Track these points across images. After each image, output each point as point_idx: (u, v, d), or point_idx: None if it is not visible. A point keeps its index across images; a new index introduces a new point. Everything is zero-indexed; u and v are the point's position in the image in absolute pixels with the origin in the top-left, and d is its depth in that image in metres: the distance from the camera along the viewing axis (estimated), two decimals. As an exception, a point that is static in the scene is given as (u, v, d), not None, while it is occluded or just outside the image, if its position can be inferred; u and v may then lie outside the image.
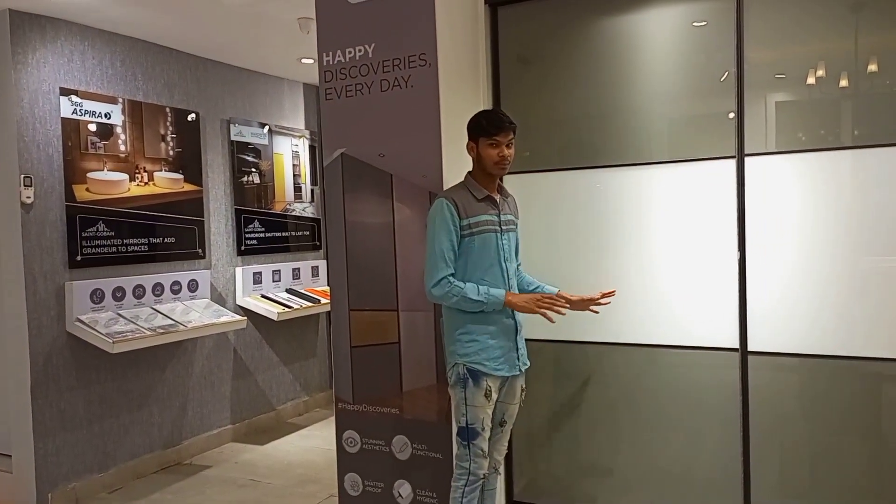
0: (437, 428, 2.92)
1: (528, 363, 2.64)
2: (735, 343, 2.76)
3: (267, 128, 5.11)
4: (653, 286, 2.91)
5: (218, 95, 4.72)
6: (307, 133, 5.48)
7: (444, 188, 2.86)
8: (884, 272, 2.56)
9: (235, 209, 4.82)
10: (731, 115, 2.74)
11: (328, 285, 3.22)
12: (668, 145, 2.90)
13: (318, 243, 5.57)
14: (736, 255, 2.75)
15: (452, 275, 2.47)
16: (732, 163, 2.73)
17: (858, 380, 2.63)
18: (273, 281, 5.06)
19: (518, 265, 2.70)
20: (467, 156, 3.08)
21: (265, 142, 5.08)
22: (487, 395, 2.49)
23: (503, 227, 2.55)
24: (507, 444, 2.67)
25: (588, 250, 3.04)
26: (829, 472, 2.69)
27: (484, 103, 3.17)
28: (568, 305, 2.53)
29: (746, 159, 2.70)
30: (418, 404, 2.98)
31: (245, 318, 4.52)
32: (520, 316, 2.58)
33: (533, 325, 3.15)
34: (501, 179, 2.63)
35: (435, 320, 2.92)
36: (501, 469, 2.72)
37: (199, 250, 4.52)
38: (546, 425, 3.20)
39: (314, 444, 4.60)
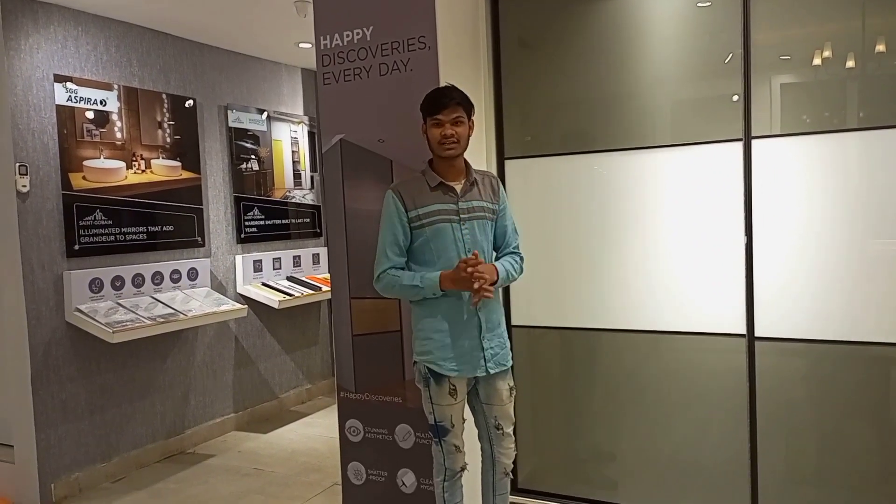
0: (440, 416, 2.89)
1: (508, 364, 2.43)
2: (742, 329, 2.73)
3: (265, 114, 5.05)
4: (658, 272, 2.87)
5: (215, 81, 4.66)
6: (306, 119, 5.41)
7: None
8: (891, 256, 2.51)
9: (234, 196, 4.77)
10: (736, 97, 2.69)
11: (329, 273, 3.18)
12: (673, 128, 2.85)
13: (318, 230, 5.52)
14: (743, 240, 2.70)
15: (395, 267, 2.36)
16: (739, 146, 2.68)
17: (866, 365, 2.60)
18: (274, 269, 5.02)
19: (506, 251, 2.46)
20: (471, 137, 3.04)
21: (263, 128, 5.02)
22: (453, 394, 2.39)
23: (463, 217, 2.35)
24: (512, 446, 2.52)
25: (592, 236, 2.99)
26: (836, 458, 2.67)
27: (485, 87, 3.11)
28: (484, 274, 2.22)
29: (753, 142, 2.65)
30: (421, 393, 2.95)
31: (246, 306, 4.48)
32: (492, 313, 2.39)
33: (536, 312, 3.13)
34: (467, 163, 2.41)
35: (437, 308, 2.88)
36: (510, 472, 2.56)
37: (199, 238, 4.48)
38: (550, 413, 3.17)
39: (317, 432, 4.59)
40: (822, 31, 2.62)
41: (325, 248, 5.40)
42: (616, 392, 3.03)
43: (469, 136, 2.38)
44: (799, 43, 2.63)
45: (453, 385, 2.38)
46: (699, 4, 2.78)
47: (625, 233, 2.93)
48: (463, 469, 2.50)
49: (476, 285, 2.21)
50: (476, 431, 2.54)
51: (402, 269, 2.37)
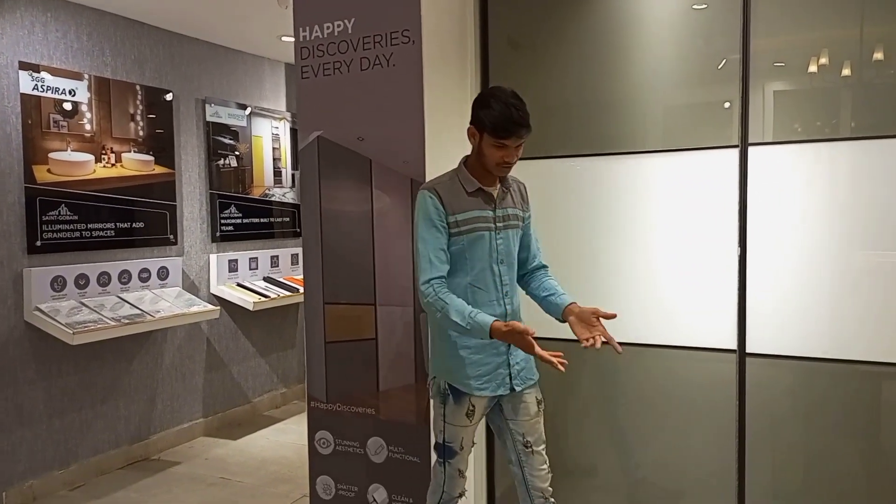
0: (415, 430, 2.75)
1: (534, 377, 2.25)
2: (733, 344, 2.61)
3: (247, 109, 4.89)
4: (649, 282, 2.75)
5: (193, 74, 4.49)
6: (288, 115, 5.26)
7: (427, 176, 2.67)
8: (886, 270, 2.41)
9: (210, 193, 4.60)
10: (727, 104, 2.58)
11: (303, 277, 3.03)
12: (666, 133, 2.72)
13: (298, 230, 5.36)
14: (736, 251, 2.58)
15: (443, 278, 2.11)
16: (735, 152, 2.56)
17: (856, 384, 2.49)
18: (250, 269, 4.86)
19: (538, 267, 2.34)
20: (453, 143, 2.90)
21: (243, 123, 4.86)
22: (469, 416, 2.19)
23: (499, 225, 2.19)
24: (545, 467, 2.26)
25: (581, 243, 2.87)
26: (823, 475, 2.56)
27: (472, 86, 2.97)
28: (561, 361, 1.97)
29: (750, 149, 2.54)
30: (395, 405, 2.81)
31: (219, 307, 4.32)
32: (515, 307, 2.24)
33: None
34: None
35: (415, 315, 2.75)
36: (550, 496, 2.28)
37: (171, 236, 4.30)
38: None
39: (290, 439, 4.43)
40: (819, 37, 2.51)
41: (304, 250, 5.24)
42: (603, 405, 2.91)
43: None
44: (796, 49, 2.53)
45: (473, 406, 2.18)
46: (695, 6, 2.67)
47: (615, 241, 2.80)
48: (461, 495, 2.31)
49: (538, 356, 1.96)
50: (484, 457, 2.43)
51: (446, 280, 2.11)
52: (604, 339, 2.10)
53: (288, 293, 4.85)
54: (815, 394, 2.55)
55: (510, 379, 2.19)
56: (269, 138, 5.11)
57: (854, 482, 2.52)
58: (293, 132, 5.27)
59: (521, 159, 2.93)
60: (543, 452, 2.26)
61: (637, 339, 2.76)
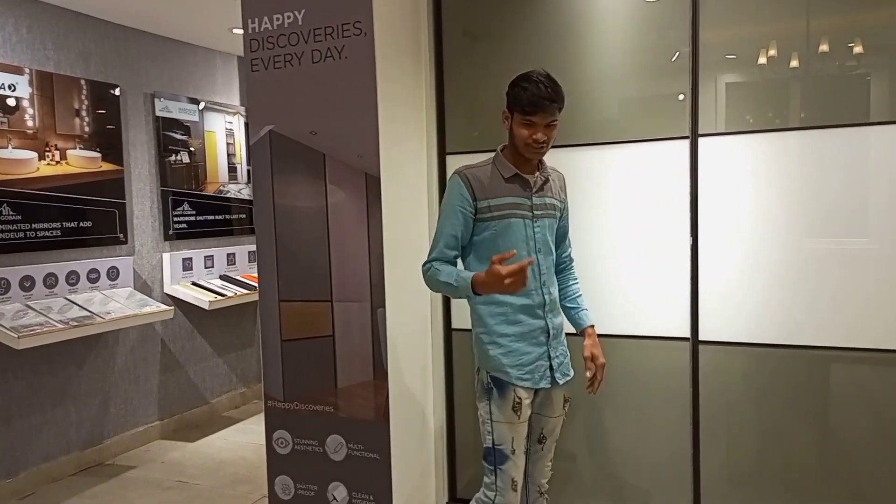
0: (374, 426, 2.73)
1: (571, 374, 2.22)
2: (686, 332, 2.65)
3: (199, 104, 4.77)
4: (603, 273, 2.77)
5: (141, 67, 4.37)
6: (242, 110, 5.16)
7: (382, 170, 2.64)
8: (834, 257, 2.47)
9: (162, 191, 4.49)
10: (682, 97, 2.61)
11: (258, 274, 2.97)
12: (619, 125, 2.74)
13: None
14: (688, 241, 2.62)
15: (441, 260, 2.11)
16: (686, 143, 2.59)
17: (806, 368, 2.55)
18: (205, 267, 4.76)
19: (567, 260, 2.32)
20: (407, 136, 2.88)
21: (195, 118, 4.75)
22: (516, 410, 2.09)
23: (536, 213, 2.13)
24: (550, 464, 2.27)
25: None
26: (776, 458, 2.62)
27: (426, 79, 2.95)
28: (525, 276, 1.90)
29: (700, 140, 2.57)
30: (354, 402, 2.78)
31: (173, 307, 4.21)
32: (556, 317, 2.19)
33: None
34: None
35: (371, 311, 2.72)
36: (546, 491, 2.31)
37: (121, 235, 4.18)
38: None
39: (249, 439, 4.36)
40: (768, 30, 2.55)
41: (261, 246, 5.15)
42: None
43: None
44: (746, 42, 2.57)
45: (518, 398, 2.10)
46: (647, 0, 2.69)
47: (571, 232, 2.81)
48: None
49: (521, 281, 1.90)
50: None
51: (449, 262, 2.12)
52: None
53: (245, 291, 4.76)
54: (766, 379, 2.61)
55: (551, 371, 2.15)
56: (223, 133, 5.00)
57: (805, 464, 2.58)
58: (248, 127, 5.17)
59: (477, 152, 2.94)
60: (553, 449, 2.27)
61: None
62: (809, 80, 2.50)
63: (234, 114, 5.10)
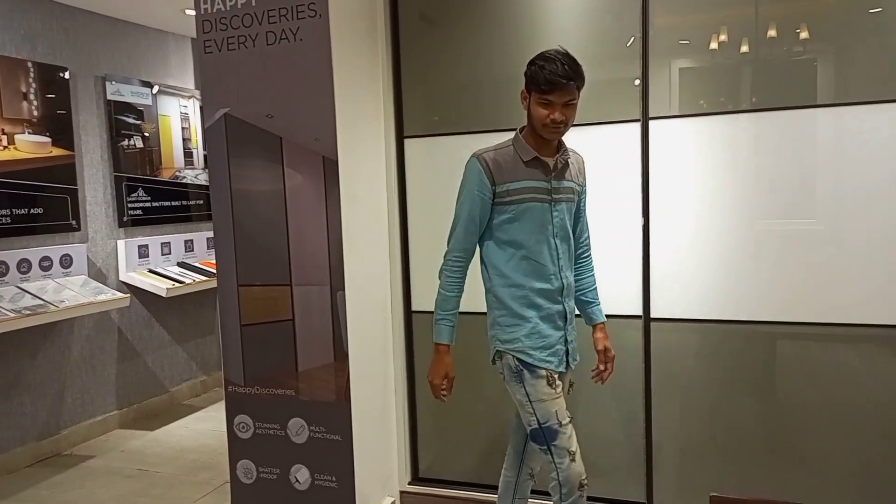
0: (335, 409, 2.75)
1: (578, 358, 2.23)
2: (639, 310, 2.72)
3: (152, 87, 4.68)
4: (558, 254, 2.82)
5: (91, 49, 4.26)
6: (197, 93, 5.07)
7: (340, 153, 2.65)
8: (780, 236, 2.56)
9: (115, 176, 4.40)
10: (637, 81, 2.66)
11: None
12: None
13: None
14: (640, 222, 2.69)
15: (466, 251, 2.14)
16: (637, 126, 2.65)
17: (754, 343, 2.65)
18: (162, 254, 4.69)
19: (584, 245, 2.29)
20: (365, 119, 2.88)
21: (148, 102, 4.65)
22: (552, 384, 2.08)
23: (555, 196, 2.09)
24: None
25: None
26: (726, 431, 2.72)
27: (382, 62, 2.95)
28: (445, 400, 2.22)
29: (651, 123, 2.63)
30: (315, 384, 2.79)
31: (129, 295, 4.15)
32: (572, 301, 2.19)
33: (431, 297, 3.01)
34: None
35: (331, 294, 2.73)
36: (535, 474, 2.37)
37: (73, 222, 4.09)
38: (452, 400, 3.08)
39: (210, 426, 4.33)
40: (718, 16, 2.62)
41: (220, 232, 5.09)
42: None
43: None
44: (698, 28, 2.62)
45: (550, 374, 2.08)
46: (599, -18, 2.72)
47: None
48: (582, 487, 2.09)
49: (434, 393, 2.21)
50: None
51: (467, 261, 2.16)
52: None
53: (204, 278, 4.71)
54: (714, 353, 2.70)
55: (567, 355, 2.16)
56: (178, 117, 4.91)
57: (751, 433, 2.69)
58: (203, 111, 5.08)
59: (434, 135, 2.96)
60: None
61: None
62: (759, 65, 2.58)
63: (189, 97, 5.02)
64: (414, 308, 3.07)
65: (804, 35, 2.51)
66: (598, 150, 2.73)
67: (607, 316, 2.77)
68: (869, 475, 2.54)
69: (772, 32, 2.57)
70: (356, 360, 2.76)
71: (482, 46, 2.89)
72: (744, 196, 2.58)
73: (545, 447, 2.08)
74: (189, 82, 5.05)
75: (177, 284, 4.46)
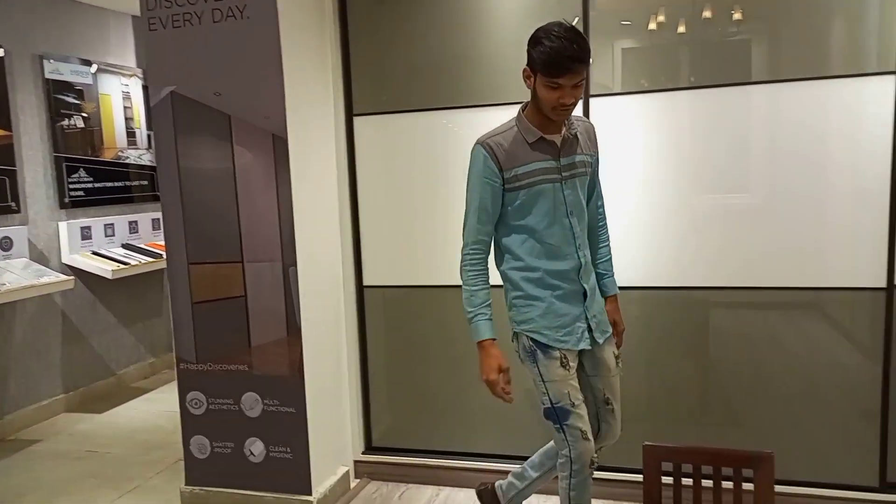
0: (289, 382, 2.80)
1: (610, 331, 2.16)
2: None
3: (92, 66, 4.56)
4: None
5: (27, 27, 4.13)
6: (139, 72, 4.97)
7: (290, 131, 2.68)
8: (716, 208, 2.71)
9: (55, 157, 4.29)
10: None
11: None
12: (520, 87, 2.87)
13: (158, 194, 5.11)
14: (582, 196, 2.81)
15: (483, 242, 2.06)
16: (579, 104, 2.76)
17: (691, 308, 2.81)
18: (106, 236, 4.61)
19: (600, 216, 2.23)
20: (315, 96, 2.91)
21: (89, 81, 4.54)
22: (565, 365, 2.06)
23: (565, 175, 2.02)
24: (619, 425, 2.22)
25: (444, 193, 2.99)
26: (663, 394, 2.88)
27: (330, 39, 2.98)
28: (510, 400, 2.04)
29: (591, 100, 2.74)
30: (269, 359, 2.84)
31: (73, 277, 4.08)
32: (591, 276, 2.12)
33: (388, 271, 3.09)
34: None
35: (284, 271, 2.77)
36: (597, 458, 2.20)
37: (12, 204, 3.99)
38: (404, 371, 3.17)
39: (161, 408, 4.32)
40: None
41: (166, 214, 5.03)
42: (469, 347, 3.07)
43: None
44: (638, 9, 2.73)
45: (565, 356, 2.06)
46: (544, -35, 2.81)
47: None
48: (592, 464, 2.11)
49: (495, 393, 2.04)
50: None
51: (485, 252, 2.08)
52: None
53: (151, 259, 4.65)
54: (652, 318, 2.85)
55: (590, 332, 2.09)
56: (119, 96, 4.81)
57: (688, 395, 2.86)
58: (146, 90, 4.99)
59: (384, 113, 3.02)
60: (618, 409, 2.22)
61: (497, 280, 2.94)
62: (696, 44, 2.71)
63: (131, 76, 4.91)
64: (365, 283, 3.13)
65: (738, 16, 2.66)
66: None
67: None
68: (791, 428, 2.74)
69: (707, 13, 2.71)
70: (309, 335, 2.82)
71: (430, 24, 2.95)
72: (682, 170, 2.72)
73: (558, 426, 2.09)
74: (130, 60, 4.94)
75: (122, 266, 4.40)
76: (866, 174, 2.55)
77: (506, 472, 2.46)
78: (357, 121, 3.06)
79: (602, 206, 2.26)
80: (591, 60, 1.91)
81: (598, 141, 2.18)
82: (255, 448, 2.88)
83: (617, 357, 2.18)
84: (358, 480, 3.17)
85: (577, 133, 2.06)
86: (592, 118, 2.76)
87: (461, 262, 2.09)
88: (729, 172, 2.68)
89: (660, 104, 2.73)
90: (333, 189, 3.05)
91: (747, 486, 1.70)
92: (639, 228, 2.78)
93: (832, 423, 2.69)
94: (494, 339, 2.06)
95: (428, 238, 3.03)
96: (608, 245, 2.28)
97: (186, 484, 2.98)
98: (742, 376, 2.79)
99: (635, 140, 2.76)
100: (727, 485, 1.68)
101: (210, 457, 2.94)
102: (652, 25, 2.76)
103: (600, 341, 2.11)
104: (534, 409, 3.02)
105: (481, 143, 2.03)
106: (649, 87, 2.74)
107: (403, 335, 3.15)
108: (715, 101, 2.67)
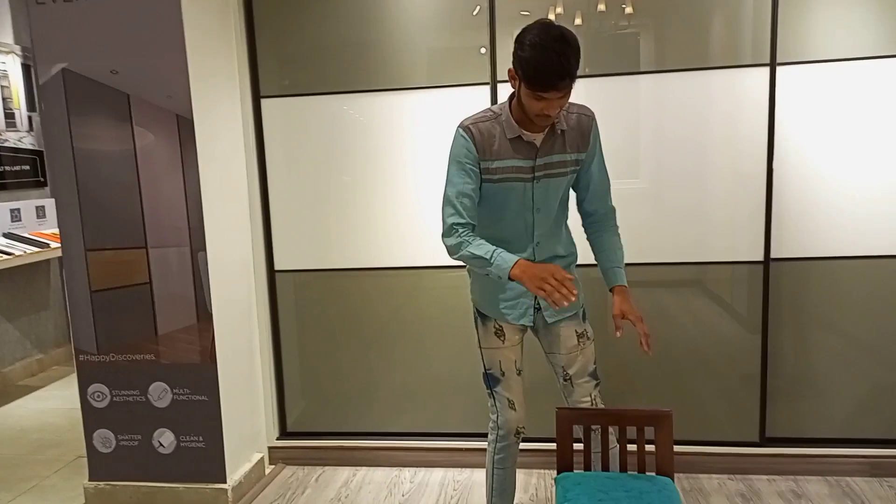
0: (200, 369, 2.74)
1: (571, 311, 2.11)
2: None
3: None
4: (417, 209, 2.98)
5: None
6: (18, 49, 4.62)
7: (195, 111, 2.60)
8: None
9: (-77, 138, 3.94)
10: (483, 50, 2.84)
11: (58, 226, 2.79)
12: (429, 72, 2.92)
13: (42, 179, 4.81)
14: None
15: (468, 224, 1.94)
16: (487, 89, 2.85)
17: (594, 285, 2.97)
18: (-16, 225, 4.29)
19: (599, 218, 2.13)
20: (219, 78, 2.83)
21: (-41, 56, 4.18)
22: (499, 335, 2.11)
23: (538, 174, 1.96)
24: (588, 399, 2.15)
25: (355, 175, 3.00)
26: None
27: (234, 18, 2.91)
28: (573, 298, 1.79)
29: (499, 85, 2.84)
30: (178, 347, 2.77)
31: (-51, 269, 3.78)
32: (553, 259, 2.07)
33: (300, 256, 3.07)
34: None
35: (192, 255, 2.70)
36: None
37: None
38: (319, 356, 3.17)
39: (53, 405, 4.08)
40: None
41: (53, 200, 4.72)
42: (382, 329, 3.12)
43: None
44: (537, 0, 2.84)
45: (499, 327, 2.10)
46: (449, -47, 2.86)
47: (386, 172, 2.98)
48: (518, 434, 2.15)
49: (555, 299, 1.79)
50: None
51: (472, 229, 1.95)
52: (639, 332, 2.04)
53: (36, 249, 4.37)
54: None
55: (534, 311, 2.09)
56: (-5, 74, 4.46)
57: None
58: (26, 68, 4.65)
59: (293, 95, 2.98)
60: (589, 385, 2.16)
61: (410, 262, 3.00)
62: (591, 35, 2.85)
63: (8, 53, 4.56)
64: (277, 267, 3.10)
65: (629, 10, 2.82)
66: (452, 109, 2.90)
67: (457, 267, 2.98)
68: (682, 394, 2.97)
69: (601, 6, 2.86)
70: (221, 320, 2.77)
71: (337, 7, 2.93)
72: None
73: (489, 391, 2.17)
74: (7, 37, 4.59)
75: (5, 257, 4.11)
76: (745, 157, 2.79)
77: (422, 450, 2.53)
78: (264, 102, 3.01)
79: (602, 208, 2.13)
80: (576, 72, 1.80)
81: (597, 133, 2.05)
82: (165, 439, 2.80)
83: (580, 334, 2.14)
84: (273, 466, 3.15)
85: (565, 130, 1.97)
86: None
87: (455, 243, 1.94)
88: (620, 157, 2.84)
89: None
90: (242, 172, 2.99)
91: (649, 447, 1.87)
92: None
93: (718, 388, 2.94)
94: (521, 260, 1.87)
95: (338, 222, 3.03)
96: (614, 237, 2.14)
97: (90, 479, 2.86)
98: (637, 348, 2.98)
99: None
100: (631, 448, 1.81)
101: (115, 450, 2.83)
102: (551, 16, 2.88)
103: (550, 321, 2.10)
104: (447, 387, 3.11)
105: (464, 127, 1.96)
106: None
107: (316, 319, 3.15)
108: (607, 89, 2.83)
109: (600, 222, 2.15)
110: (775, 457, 2.88)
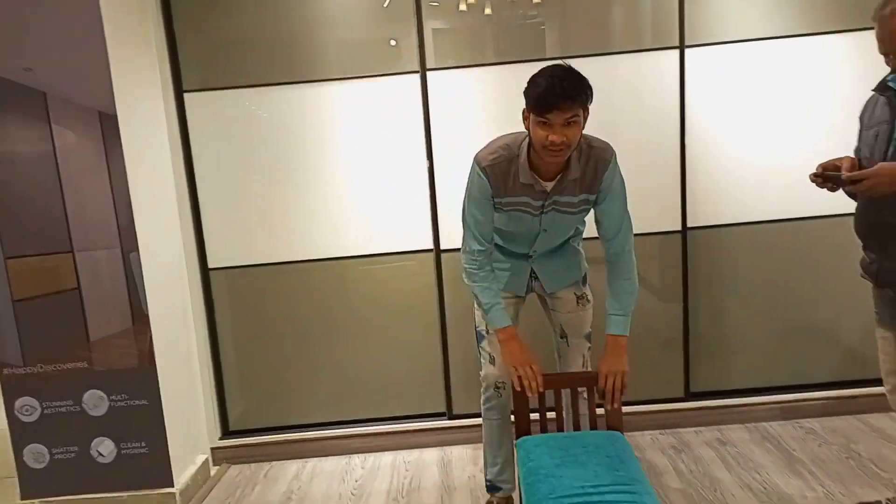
0: (138, 373, 2.67)
1: (570, 279, 2.30)
2: (430, 244, 3.02)
3: None
4: (349, 199, 3.00)
5: None
6: None
7: (118, 106, 2.51)
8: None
9: None
10: (393, 42, 2.90)
11: (-30, 231, 2.63)
12: (354, 62, 2.94)
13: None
14: (426, 164, 2.97)
15: (485, 251, 2.15)
16: (417, 77, 2.91)
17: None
18: None
19: (614, 258, 2.14)
20: (140, 69, 2.75)
21: None
22: None
23: (546, 209, 2.09)
24: (580, 360, 2.34)
25: (282, 169, 2.99)
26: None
27: (153, 12, 2.83)
28: (537, 392, 2.05)
29: (428, 73, 2.90)
30: (112, 352, 2.68)
31: None
32: (548, 260, 2.28)
33: (232, 252, 3.01)
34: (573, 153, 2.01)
35: (123, 256, 2.62)
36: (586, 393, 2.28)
37: None
38: (257, 352, 3.14)
39: (-36, 429, 3.81)
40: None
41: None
42: (319, 320, 3.13)
43: (583, 128, 1.95)
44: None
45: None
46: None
47: (315, 163, 2.99)
48: (497, 388, 2.31)
49: (521, 385, 2.06)
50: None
51: (488, 257, 2.17)
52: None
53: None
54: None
55: (528, 286, 2.31)
56: None
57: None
58: None
59: (216, 89, 2.93)
60: (581, 346, 2.35)
61: (344, 252, 3.03)
62: (500, 25, 2.96)
63: None
64: (210, 265, 3.04)
65: (536, 0, 2.95)
66: (380, 99, 2.95)
67: (399, 253, 3.04)
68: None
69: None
70: (158, 322, 2.70)
71: (256, 3, 2.91)
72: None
73: (477, 347, 2.37)
74: None
75: None
76: (660, 135, 2.99)
77: (369, 435, 2.55)
78: (188, 97, 2.94)
79: (619, 245, 2.14)
80: (587, 100, 1.90)
81: (613, 174, 2.08)
82: (104, 448, 2.70)
83: (580, 297, 2.33)
84: (217, 467, 3.10)
85: (577, 178, 2.04)
86: (430, 91, 2.90)
87: (467, 268, 2.19)
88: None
89: (470, 79, 2.93)
90: (169, 168, 2.92)
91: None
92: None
93: (647, 352, 3.14)
94: (514, 327, 2.18)
95: (268, 215, 3.02)
96: (624, 281, 2.15)
97: (22, 498, 2.72)
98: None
99: (463, 112, 2.95)
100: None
101: (49, 465, 2.71)
102: (462, 7, 2.98)
103: (549, 290, 2.32)
104: (389, 372, 3.16)
105: (482, 167, 2.06)
106: (471, 62, 2.94)
107: (252, 314, 3.12)
108: (516, 76, 2.94)
109: (611, 262, 2.17)
110: (700, 410, 3.12)
